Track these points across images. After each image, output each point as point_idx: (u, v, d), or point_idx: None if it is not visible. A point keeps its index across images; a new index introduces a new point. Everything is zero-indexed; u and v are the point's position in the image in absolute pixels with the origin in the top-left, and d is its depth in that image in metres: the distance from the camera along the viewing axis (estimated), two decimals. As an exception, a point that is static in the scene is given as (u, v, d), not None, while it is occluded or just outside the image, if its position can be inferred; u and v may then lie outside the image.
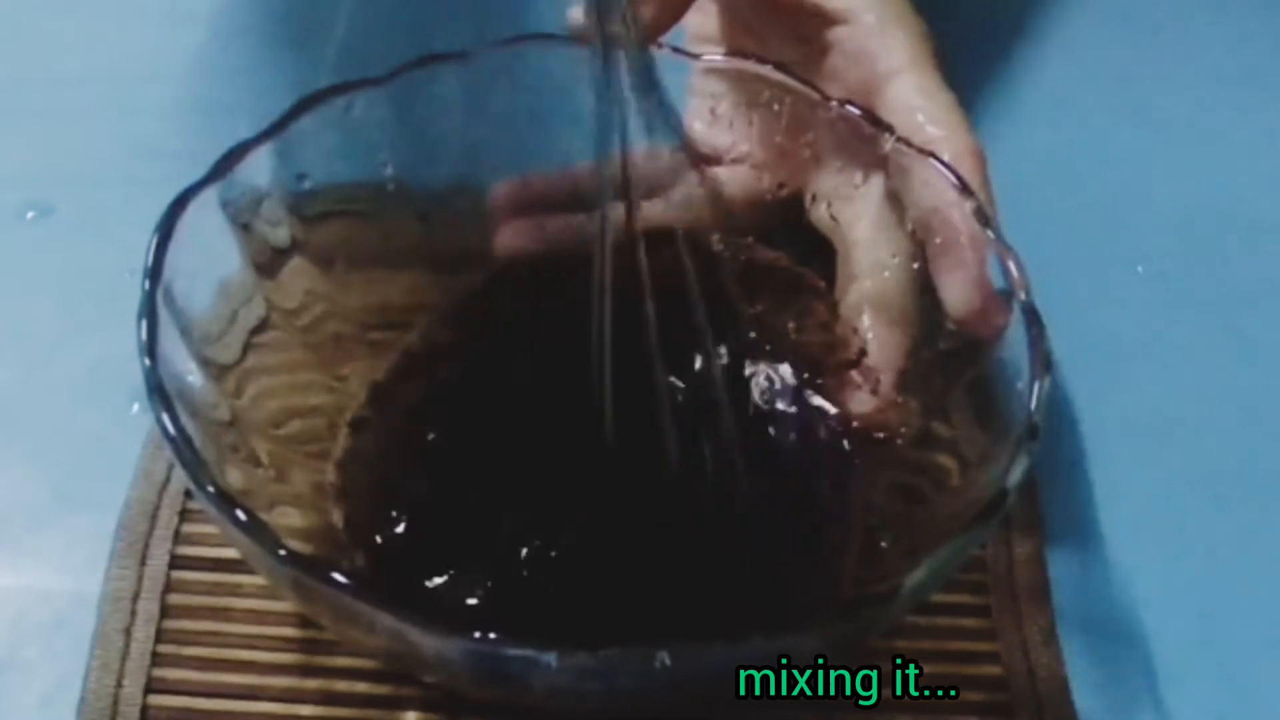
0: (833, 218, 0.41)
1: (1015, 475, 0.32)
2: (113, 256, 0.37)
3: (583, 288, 0.36)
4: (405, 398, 0.40)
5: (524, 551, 0.36)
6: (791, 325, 0.42)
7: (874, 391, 0.39)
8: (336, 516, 0.37)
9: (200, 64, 0.53)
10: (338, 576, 0.29)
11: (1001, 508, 0.31)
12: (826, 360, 0.41)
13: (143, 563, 0.38)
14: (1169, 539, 0.41)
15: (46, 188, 0.48)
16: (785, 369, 0.42)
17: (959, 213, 0.37)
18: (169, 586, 0.37)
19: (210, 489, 0.30)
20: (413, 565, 0.36)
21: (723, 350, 0.42)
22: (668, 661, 0.28)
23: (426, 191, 0.41)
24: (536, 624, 0.28)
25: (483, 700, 0.34)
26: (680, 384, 0.40)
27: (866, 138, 0.39)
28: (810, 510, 0.39)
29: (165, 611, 0.37)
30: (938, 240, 0.37)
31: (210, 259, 0.36)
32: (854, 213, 0.41)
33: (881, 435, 0.39)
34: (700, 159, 0.43)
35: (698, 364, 0.42)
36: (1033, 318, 0.34)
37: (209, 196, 0.35)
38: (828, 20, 0.42)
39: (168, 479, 0.39)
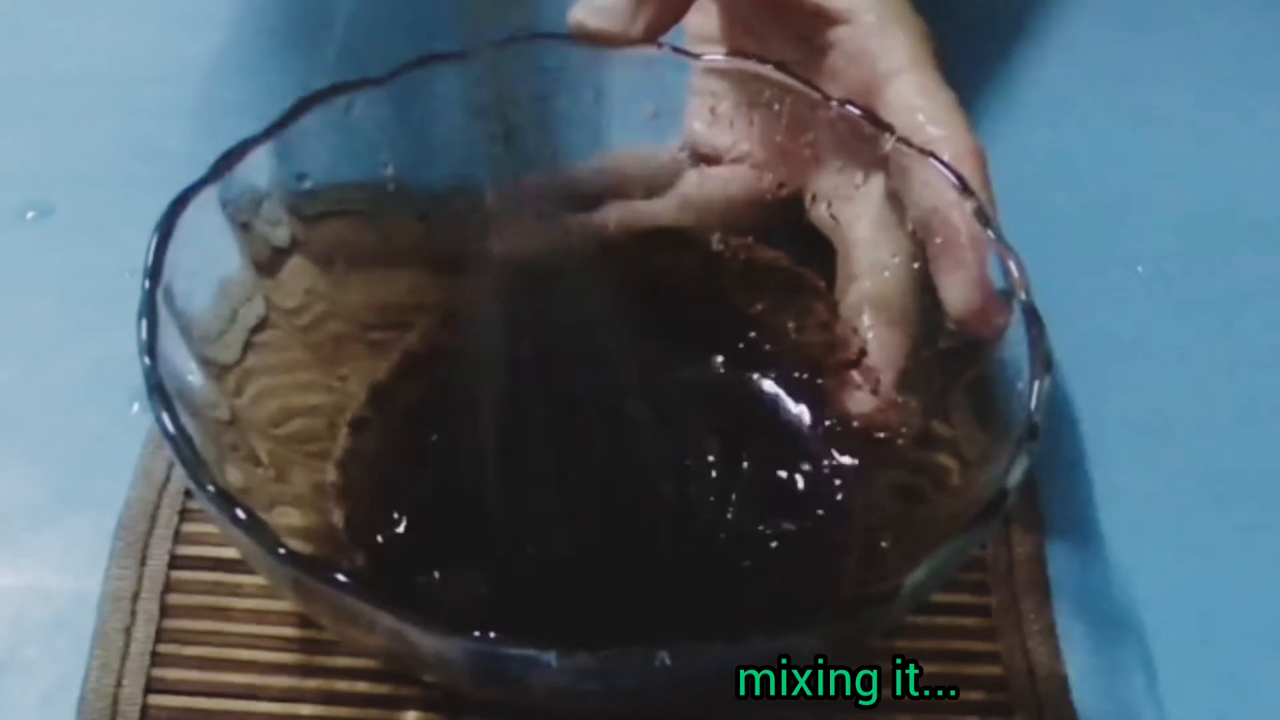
0: (833, 218, 0.41)
1: (1015, 475, 0.31)
2: (113, 256, 0.37)
3: (582, 287, 0.36)
4: (405, 398, 0.40)
5: (524, 551, 0.36)
6: (791, 325, 0.42)
7: (874, 391, 0.39)
8: (336, 516, 0.37)
9: (200, 64, 0.53)
10: (338, 576, 0.29)
11: (1001, 508, 0.31)
12: (826, 360, 0.41)
13: (143, 562, 0.38)
14: (1169, 539, 0.41)
15: (46, 188, 0.48)
16: (785, 369, 0.42)
17: (959, 213, 0.37)
18: (169, 586, 0.37)
19: (210, 488, 0.30)
20: (413, 565, 0.36)
21: (722, 350, 0.42)
22: (668, 661, 0.28)
23: (426, 191, 0.41)
24: (536, 624, 0.28)
25: (483, 700, 0.34)
26: (680, 384, 0.40)
27: (867, 138, 0.39)
28: (810, 510, 0.39)
29: (165, 611, 0.37)
30: (938, 240, 0.37)
31: (210, 259, 0.36)
32: (854, 213, 0.41)
33: (881, 435, 0.39)
34: (700, 159, 0.43)
35: (698, 364, 0.42)
36: (1033, 318, 0.34)
37: (209, 196, 0.35)
38: (828, 20, 0.42)
39: (168, 479, 0.39)
